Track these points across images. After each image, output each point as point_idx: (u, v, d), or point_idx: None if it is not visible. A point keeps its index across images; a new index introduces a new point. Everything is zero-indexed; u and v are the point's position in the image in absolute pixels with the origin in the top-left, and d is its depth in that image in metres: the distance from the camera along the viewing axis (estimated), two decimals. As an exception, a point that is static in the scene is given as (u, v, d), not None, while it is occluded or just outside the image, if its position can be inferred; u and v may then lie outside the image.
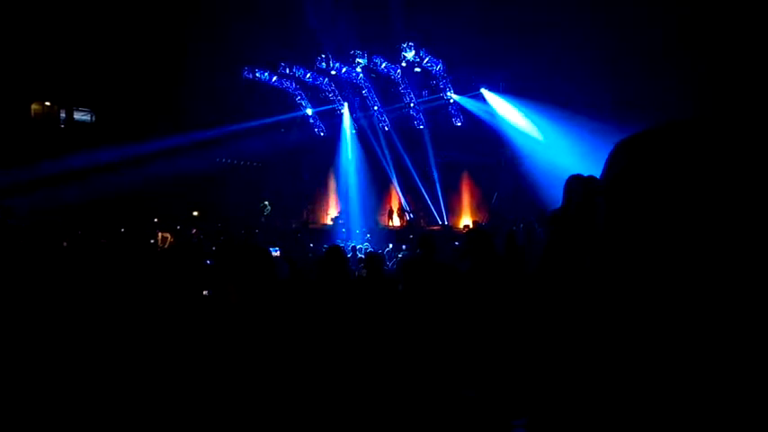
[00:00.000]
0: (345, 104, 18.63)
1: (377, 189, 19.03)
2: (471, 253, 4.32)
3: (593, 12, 11.05)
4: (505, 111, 15.58)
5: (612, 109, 10.91)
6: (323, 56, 16.41)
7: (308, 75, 17.63)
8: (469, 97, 16.37)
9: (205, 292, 4.07)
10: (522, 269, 4.58)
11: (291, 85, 18.62)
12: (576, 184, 3.19)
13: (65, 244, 12.38)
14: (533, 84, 13.85)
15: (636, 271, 0.92)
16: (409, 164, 17.97)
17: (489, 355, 3.74)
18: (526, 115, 14.90)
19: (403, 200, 18.25)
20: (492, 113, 15.85)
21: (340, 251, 4.69)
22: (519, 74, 14.33)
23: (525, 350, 3.47)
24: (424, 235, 5.28)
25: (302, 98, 19.16)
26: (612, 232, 1.02)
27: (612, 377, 0.97)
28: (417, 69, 15.91)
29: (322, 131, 19.77)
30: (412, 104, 17.19)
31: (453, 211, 17.74)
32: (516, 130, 15.20)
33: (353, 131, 18.92)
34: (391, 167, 18.26)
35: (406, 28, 14.67)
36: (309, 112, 19.38)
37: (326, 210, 20.50)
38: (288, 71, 17.67)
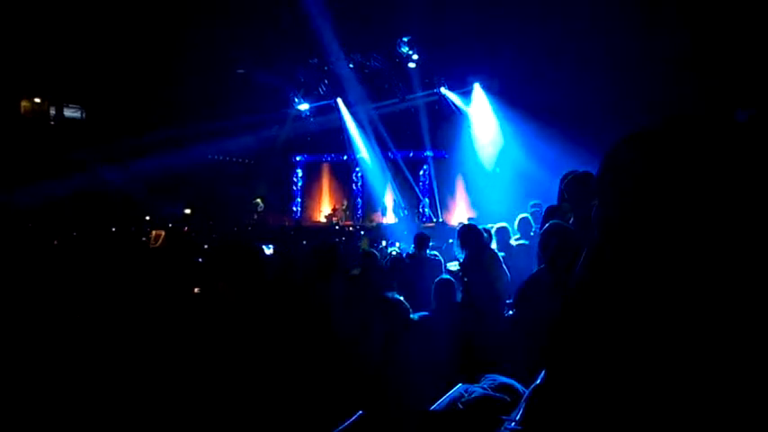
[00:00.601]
0: (339, 100, 18.53)
1: (372, 185, 19.05)
2: (463, 247, 4.31)
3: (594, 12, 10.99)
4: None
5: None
6: (315, 51, 16.34)
7: (301, 70, 17.56)
8: (460, 94, 16.39)
9: (196, 290, 4.04)
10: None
11: (284, 80, 18.52)
12: (572, 182, 3.18)
13: (55, 242, 12.28)
14: (526, 84, 13.89)
15: (638, 272, 0.90)
16: (401, 160, 17.98)
17: (483, 349, 3.73)
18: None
19: (398, 196, 18.21)
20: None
21: (333, 248, 4.67)
22: (512, 72, 14.35)
23: (518, 345, 3.46)
24: (419, 234, 5.28)
25: (294, 94, 19.07)
26: (611, 230, 1.00)
27: (608, 377, 0.95)
28: (412, 65, 15.89)
29: (315, 128, 19.68)
30: (406, 99, 17.17)
31: (447, 207, 17.76)
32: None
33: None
34: (384, 164, 18.24)
35: (400, 22, 14.63)
36: (305, 107, 19.30)
37: (320, 207, 20.44)
38: (280, 67, 17.57)
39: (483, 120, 15.81)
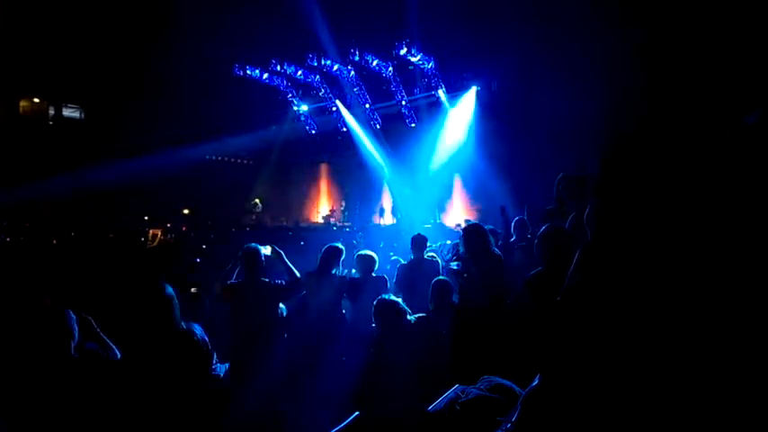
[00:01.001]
0: (338, 101, 18.50)
1: (370, 186, 19.05)
2: (467, 248, 4.28)
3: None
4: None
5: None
6: (313, 53, 16.36)
7: (299, 72, 17.54)
8: (451, 96, 16.42)
9: (193, 290, 4.04)
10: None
11: (282, 82, 18.51)
12: (571, 184, 3.20)
13: (54, 242, 12.27)
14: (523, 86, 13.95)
15: (633, 274, 0.91)
16: (397, 161, 17.97)
17: (482, 351, 3.73)
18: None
19: (395, 198, 18.15)
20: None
21: (336, 250, 4.68)
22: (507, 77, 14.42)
23: (517, 348, 3.47)
24: (416, 236, 5.27)
25: (293, 95, 19.07)
26: (609, 230, 1.01)
27: (606, 377, 0.95)
28: (410, 67, 15.89)
29: (313, 129, 19.66)
30: (404, 102, 17.15)
31: (444, 207, 17.69)
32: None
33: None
34: (385, 165, 18.21)
35: (398, 23, 14.63)
36: (305, 108, 19.31)
37: (317, 208, 20.42)
38: (279, 68, 17.57)
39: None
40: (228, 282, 4.28)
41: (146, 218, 15.33)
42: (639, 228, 0.85)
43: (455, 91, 16.32)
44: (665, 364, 0.82)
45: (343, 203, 19.23)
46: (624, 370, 0.88)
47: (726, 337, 0.78)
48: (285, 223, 18.80)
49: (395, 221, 17.53)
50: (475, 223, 4.59)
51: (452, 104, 16.33)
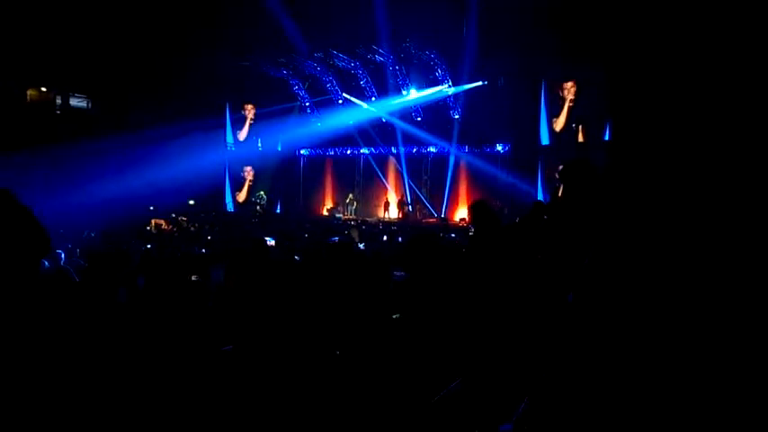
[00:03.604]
0: (346, 95, 18.45)
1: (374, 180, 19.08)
2: (474, 223, 4.11)
3: None
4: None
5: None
6: (320, 46, 16.34)
7: (307, 64, 17.53)
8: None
9: (194, 278, 4.02)
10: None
11: (290, 73, 18.47)
12: (574, 169, 3.12)
13: (61, 231, 12.29)
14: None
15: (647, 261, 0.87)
16: (404, 155, 17.95)
17: (480, 348, 3.68)
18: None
19: (407, 192, 18.07)
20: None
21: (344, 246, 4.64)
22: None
23: (519, 346, 3.42)
24: (419, 228, 5.21)
25: (299, 88, 19.04)
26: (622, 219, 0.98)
27: (614, 377, 0.92)
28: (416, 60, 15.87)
29: (319, 122, 19.60)
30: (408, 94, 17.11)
31: (448, 203, 17.64)
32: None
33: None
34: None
35: (406, 19, 14.60)
36: (309, 102, 19.30)
37: (324, 201, 20.40)
38: (286, 60, 17.54)
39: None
40: (234, 269, 4.28)
41: (150, 208, 15.38)
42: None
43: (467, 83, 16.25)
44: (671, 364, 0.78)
45: (351, 196, 19.18)
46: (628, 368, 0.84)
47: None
48: (290, 216, 18.83)
49: (402, 216, 17.42)
50: (480, 200, 4.34)
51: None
